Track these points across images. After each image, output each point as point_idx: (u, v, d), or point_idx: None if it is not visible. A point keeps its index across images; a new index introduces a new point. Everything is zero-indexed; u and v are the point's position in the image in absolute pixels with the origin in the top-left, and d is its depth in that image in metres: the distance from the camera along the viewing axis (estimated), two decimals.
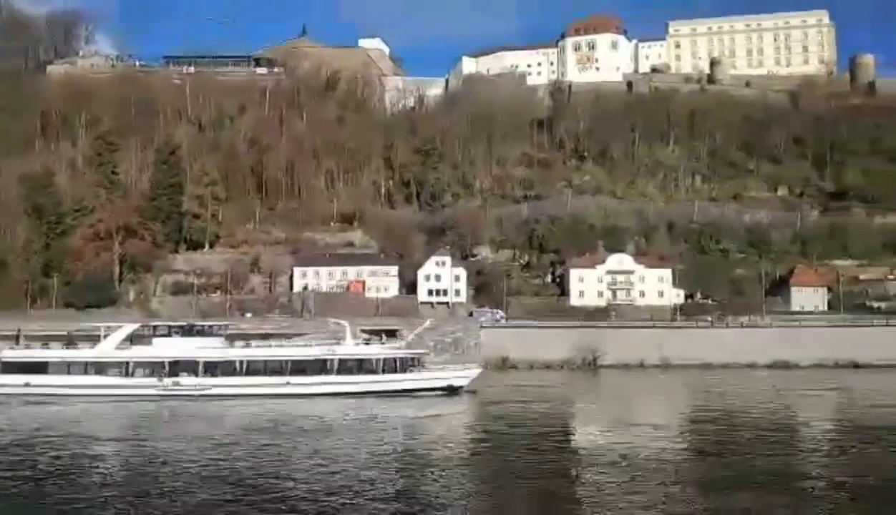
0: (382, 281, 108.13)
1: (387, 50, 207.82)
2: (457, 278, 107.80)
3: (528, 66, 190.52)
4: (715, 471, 33.88)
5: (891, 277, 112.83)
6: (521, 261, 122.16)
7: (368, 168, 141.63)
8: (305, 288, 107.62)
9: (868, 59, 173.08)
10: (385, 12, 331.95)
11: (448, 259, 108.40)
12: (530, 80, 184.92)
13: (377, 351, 62.27)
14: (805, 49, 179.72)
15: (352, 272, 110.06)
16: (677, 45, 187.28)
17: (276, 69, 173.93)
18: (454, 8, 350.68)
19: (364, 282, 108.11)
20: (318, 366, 58.89)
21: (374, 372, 59.32)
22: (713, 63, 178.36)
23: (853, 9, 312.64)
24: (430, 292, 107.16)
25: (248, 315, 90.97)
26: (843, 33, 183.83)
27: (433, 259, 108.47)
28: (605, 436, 44.11)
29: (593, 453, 38.37)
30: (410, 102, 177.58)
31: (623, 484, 30.46)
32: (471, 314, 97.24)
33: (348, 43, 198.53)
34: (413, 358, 62.39)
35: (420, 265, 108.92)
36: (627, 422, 50.28)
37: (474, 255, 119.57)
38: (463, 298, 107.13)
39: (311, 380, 57.91)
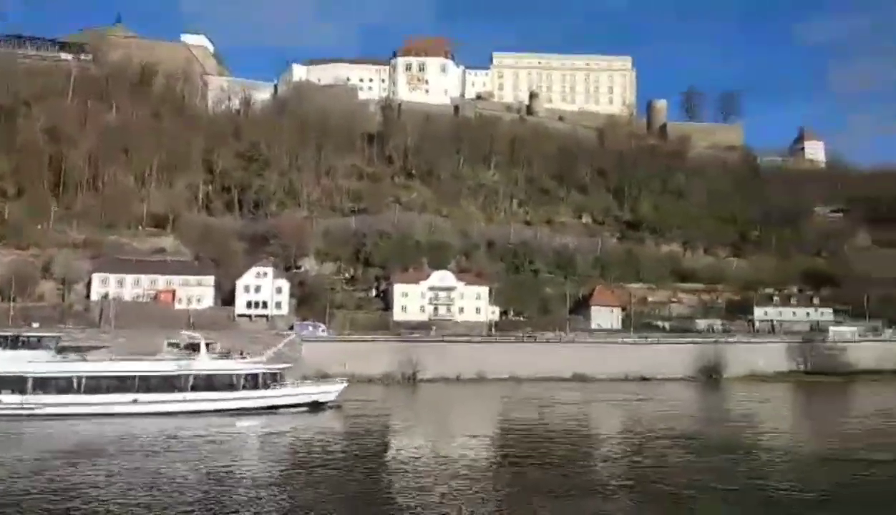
0: (195, 292, 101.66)
1: (211, 48, 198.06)
2: (278, 290, 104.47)
3: (361, 80, 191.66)
4: (529, 479, 36.20)
5: (673, 300, 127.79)
6: (347, 275, 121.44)
7: (186, 170, 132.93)
8: (106, 296, 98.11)
9: (662, 105, 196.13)
10: (211, 8, 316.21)
11: (270, 270, 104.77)
12: (362, 95, 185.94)
13: (236, 366, 59.31)
14: (611, 90, 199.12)
15: (161, 281, 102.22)
16: (500, 76, 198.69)
17: (83, 56, 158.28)
18: (286, 13, 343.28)
19: (174, 292, 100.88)
20: (171, 382, 55.45)
21: (233, 388, 56.80)
22: (532, 96, 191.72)
23: (651, 57, 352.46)
24: (249, 304, 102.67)
25: (36, 325, 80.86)
26: (643, 79, 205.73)
27: (254, 269, 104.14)
28: (435, 447, 45.75)
29: (420, 464, 39.37)
30: (235, 104, 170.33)
31: (442, 494, 31.95)
32: (291, 327, 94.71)
33: (169, 36, 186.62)
34: (275, 374, 60.16)
35: (239, 275, 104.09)
36: (450, 434, 52.64)
37: (298, 267, 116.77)
38: (284, 311, 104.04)
39: (161, 398, 54.22)
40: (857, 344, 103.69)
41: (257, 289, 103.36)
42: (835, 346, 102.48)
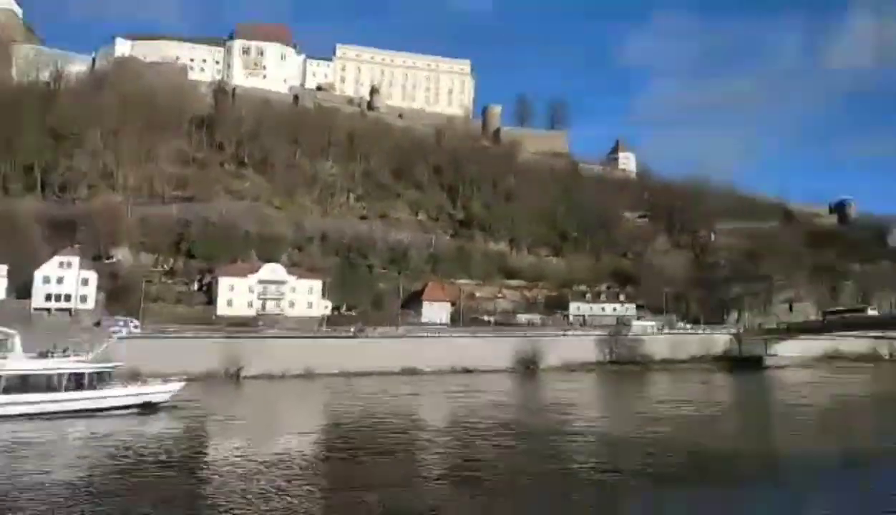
0: None
1: (20, 13, 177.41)
2: (85, 282, 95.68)
3: (192, 60, 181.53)
4: (359, 473, 36.95)
5: (499, 296, 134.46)
6: (166, 267, 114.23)
7: None
8: None
9: (496, 110, 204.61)
10: None
11: (76, 259, 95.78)
12: (192, 75, 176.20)
13: (58, 364, 54.08)
14: (450, 92, 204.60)
15: None
16: (343, 68, 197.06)
17: None
18: None
19: None
20: None
21: (54, 389, 52.25)
22: (373, 91, 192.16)
23: (488, 62, 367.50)
24: (50, 297, 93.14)
25: None
26: (481, 84, 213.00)
27: (56, 258, 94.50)
28: (266, 445, 44.93)
29: (249, 463, 38.47)
30: (45, 76, 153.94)
31: (264, 491, 31.72)
32: (98, 323, 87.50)
33: None
34: (102, 373, 55.87)
35: (38, 265, 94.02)
36: (280, 431, 51.77)
37: (110, 257, 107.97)
38: (91, 305, 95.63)
39: None
40: (654, 336, 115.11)
41: (60, 281, 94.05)
42: (636, 339, 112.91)
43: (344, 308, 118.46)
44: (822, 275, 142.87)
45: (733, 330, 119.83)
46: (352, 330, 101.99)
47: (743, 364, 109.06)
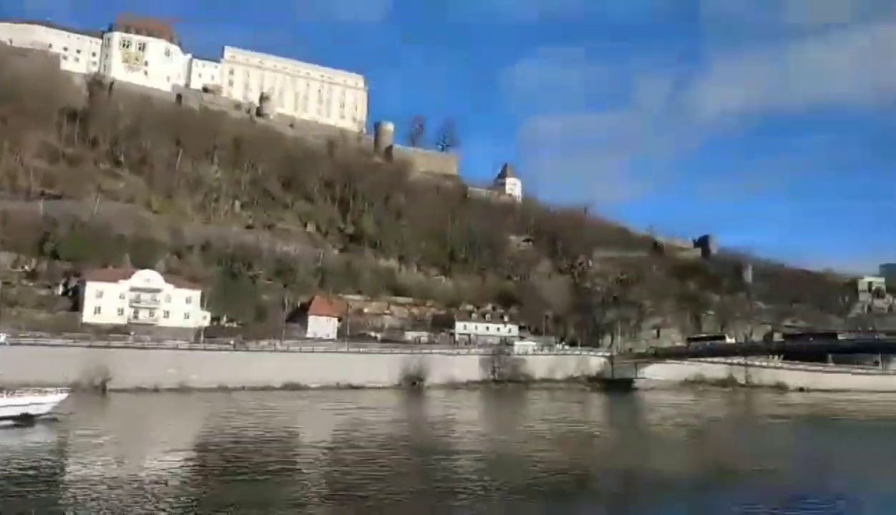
0: None
1: None
2: None
3: (65, 49, 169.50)
4: (230, 493, 35.33)
5: (387, 312, 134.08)
6: (27, 268, 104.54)
7: None
8: None
9: (389, 127, 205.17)
10: None
11: None
12: (65, 65, 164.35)
13: None
14: (343, 105, 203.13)
15: None
16: (231, 72, 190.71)
17: None
18: None
19: None
20: None
21: None
22: (263, 97, 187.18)
23: (383, 79, 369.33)
24: None
25: None
26: (374, 100, 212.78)
27: None
28: (134, 463, 42.63)
29: (114, 482, 36.17)
30: None
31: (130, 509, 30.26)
32: None
33: None
34: None
35: None
36: (156, 447, 48.99)
37: None
38: None
39: None
40: (535, 356, 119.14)
41: None
42: (518, 358, 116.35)
43: (224, 320, 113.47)
44: (686, 304, 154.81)
45: (607, 353, 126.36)
46: (232, 342, 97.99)
47: (615, 385, 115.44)
